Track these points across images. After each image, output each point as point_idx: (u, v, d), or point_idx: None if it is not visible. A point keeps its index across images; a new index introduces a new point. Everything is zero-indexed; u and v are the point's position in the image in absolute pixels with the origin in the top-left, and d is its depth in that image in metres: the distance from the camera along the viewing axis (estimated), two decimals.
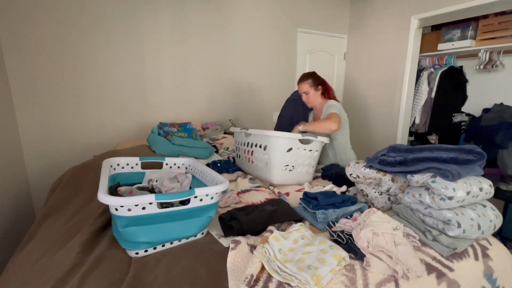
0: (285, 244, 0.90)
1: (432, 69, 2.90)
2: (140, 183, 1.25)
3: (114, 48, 2.30)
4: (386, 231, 0.90)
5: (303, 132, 1.64)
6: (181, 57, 2.60)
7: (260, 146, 1.58)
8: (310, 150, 1.58)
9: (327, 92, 1.95)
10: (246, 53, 2.92)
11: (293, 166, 1.56)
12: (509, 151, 2.24)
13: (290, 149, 1.51)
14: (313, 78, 1.89)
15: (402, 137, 2.97)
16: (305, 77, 1.90)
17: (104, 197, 0.81)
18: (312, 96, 1.90)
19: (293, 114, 2.11)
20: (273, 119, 3.24)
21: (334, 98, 1.94)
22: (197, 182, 1.26)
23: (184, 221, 0.94)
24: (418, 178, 1.05)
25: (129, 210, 0.83)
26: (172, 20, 2.49)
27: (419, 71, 2.97)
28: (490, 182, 1.05)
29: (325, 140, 1.61)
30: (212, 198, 0.97)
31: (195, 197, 0.93)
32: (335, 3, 3.35)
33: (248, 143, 1.68)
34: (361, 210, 1.14)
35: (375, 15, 3.13)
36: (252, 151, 1.65)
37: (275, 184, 1.57)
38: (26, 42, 2.00)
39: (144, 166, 1.35)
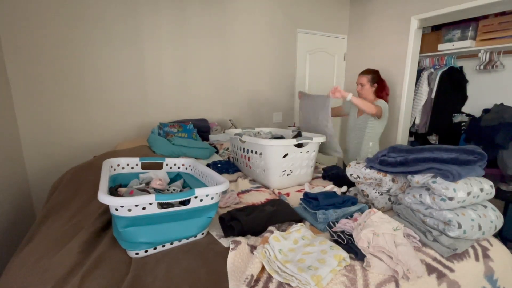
0: (285, 245, 0.90)
1: (432, 70, 2.90)
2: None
3: (114, 49, 2.30)
4: (386, 231, 0.89)
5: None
6: (181, 58, 2.60)
7: (256, 153, 1.57)
8: (307, 152, 1.58)
9: (380, 91, 2.13)
10: (246, 53, 2.92)
11: (291, 171, 1.55)
12: (509, 151, 2.24)
13: (286, 155, 1.50)
14: (374, 75, 2.09)
15: (402, 138, 2.97)
16: (367, 72, 2.11)
17: (104, 197, 0.81)
18: (366, 90, 2.09)
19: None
20: (273, 119, 3.24)
21: (384, 98, 2.12)
22: (197, 183, 1.26)
23: (184, 222, 0.94)
24: (418, 179, 1.05)
25: (129, 210, 0.83)
26: (173, 21, 2.49)
27: (419, 72, 2.97)
28: (491, 183, 1.05)
29: (321, 139, 1.61)
30: (212, 198, 0.97)
31: (195, 197, 0.93)
32: (335, 3, 3.35)
33: (244, 148, 1.68)
34: (361, 211, 1.14)
35: (375, 15, 3.13)
36: (249, 157, 1.64)
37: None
38: (27, 42, 2.00)
39: (144, 166, 1.35)
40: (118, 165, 1.27)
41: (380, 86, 2.12)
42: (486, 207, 1.03)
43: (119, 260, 0.88)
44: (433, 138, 3.01)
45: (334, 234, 1.00)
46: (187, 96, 2.69)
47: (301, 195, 1.40)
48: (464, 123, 2.75)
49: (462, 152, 1.02)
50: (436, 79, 2.79)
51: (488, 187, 1.02)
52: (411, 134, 3.16)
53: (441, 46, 2.78)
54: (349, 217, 1.10)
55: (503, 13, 2.38)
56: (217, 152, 2.21)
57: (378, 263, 0.84)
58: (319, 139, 1.59)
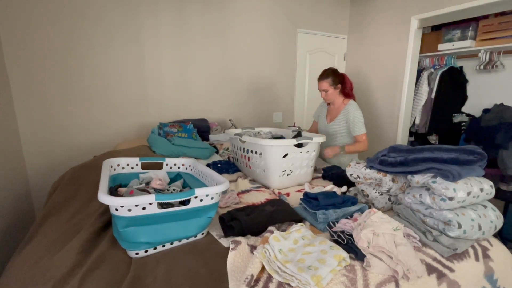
0: (285, 245, 0.90)
1: (432, 70, 2.90)
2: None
3: (114, 49, 2.30)
4: (386, 231, 0.89)
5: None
6: (181, 58, 2.60)
7: (256, 153, 1.57)
8: (307, 152, 1.58)
9: (345, 88, 2.00)
10: (246, 53, 2.92)
11: (290, 171, 1.55)
12: (509, 151, 2.24)
13: (286, 155, 1.50)
14: (333, 76, 1.93)
15: (402, 138, 2.97)
16: (325, 75, 1.94)
17: (104, 197, 0.81)
18: (331, 94, 1.96)
19: None
20: (273, 119, 3.24)
21: (352, 95, 2.02)
22: (197, 183, 1.26)
23: (184, 222, 0.94)
24: (418, 179, 1.05)
25: (129, 210, 0.83)
26: (173, 21, 2.49)
27: (419, 72, 2.97)
28: (491, 183, 1.05)
29: (321, 139, 1.61)
30: (212, 198, 0.97)
31: (195, 197, 0.93)
32: (335, 3, 3.35)
33: (244, 148, 1.68)
34: (361, 211, 1.14)
35: (375, 15, 3.13)
36: (249, 157, 1.64)
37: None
38: (27, 42, 2.00)
39: (144, 166, 1.34)
40: (118, 165, 1.27)
41: (342, 83, 1.97)
42: (486, 207, 1.03)
43: (119, 260, 0.88)
44: (433, 138, 3.01)
45: (334, 234, 1.00)
46: (187, 96, 2.69)
47: (301, 195, 1.40)
48: (464, 123, 2.75)
49: (462, 152, 1.02)
50: (436, 79, 2.79)
51: (488, 187, 1.02)
52: (411, 134, 3.16)
53: (441, 46, 2.78)
54: (349, 217, 1.10)
55: (503, 13, 2.38)
56: (217, 152, 2.20)
57: (378, 263, 0.84)
58: (319, 139, 1.59)
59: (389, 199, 1.24)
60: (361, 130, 1.90)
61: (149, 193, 1.09)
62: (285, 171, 1.53)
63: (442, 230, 0.97)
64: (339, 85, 1.96)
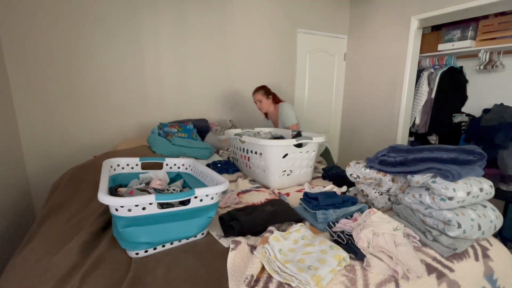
0: (285, 245, 0.90)
1: (432, 70, 2.90)
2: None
3: (114, 49, 2.30)
4: (386, 231, 0.89)
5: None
6: (181, 58, 2.60)
7: (256, 153, 1.57)
8: (307, 152, 1.58)
9: (276, 99, 2.41)
10: (246, 53, 2.92)
11: (290, 171, 1.56)
12: (509, 151, 2.24)
13: (286, 155, 1.50)
14: (265, 89, 2.34)
15: (402, 138, 2.97)
16: (258, 89, 2.36)
17: (104, 198, 0.81)
18: (265, 103, 2.34)
19: None
20: None
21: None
22: (197, 183, 1.26)
23: (184, 222, 0.94)
24: (418, 179, 1.05)
25: (129, 210, 0.83)
26: (173, 21, 2.50)
27: (419, 72, 2.97)
28: (491, 183, 1.05)
29: (321, 139, 1.61)
30: (212, 198, 0.97)
31: (195, 197, 0.93)
32: (335, 3, 3.35)
33: (244, 148, 1.68)
34: (361, 211, 1.14)
35: (375, 15, 3.13)
36: (249, 157, 1.65)
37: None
38: (27, 42, 2.00)
39: (144, 166, 1.35)
40: (118, 165, 1.27)
41: (274, 96, 2.37)
42: (486, 207, 1.03)
43: (119, 260, 0.88)
44: (433, 138, 3.01)
45: (334, 234, 1.00)
46: (187, 96, 2.70)
47: (301, 195, 1.40)
48: (464, 123, 2.75)
49: (461, 152, 1.02)
50: (436, 79, 2.79)
51: (487, 187, 1.02)
52: (411, 134, 3.16)
53: (441, 46, 2.78)
54: (349, 217, 1.10)
55: (503, 13, 2.38)
56: (217, 152, 2.21)
57: (378, 263, 0.84)
58: (319, 139, 1.59)
59: (389, 199, 1.24)
60: (292, 121, 2.19)
61: (149, 193, 1.09)
62: (285, 171, 1.54)
63: (442, 230, 0.97)
64: (270, 96, 2.34)
